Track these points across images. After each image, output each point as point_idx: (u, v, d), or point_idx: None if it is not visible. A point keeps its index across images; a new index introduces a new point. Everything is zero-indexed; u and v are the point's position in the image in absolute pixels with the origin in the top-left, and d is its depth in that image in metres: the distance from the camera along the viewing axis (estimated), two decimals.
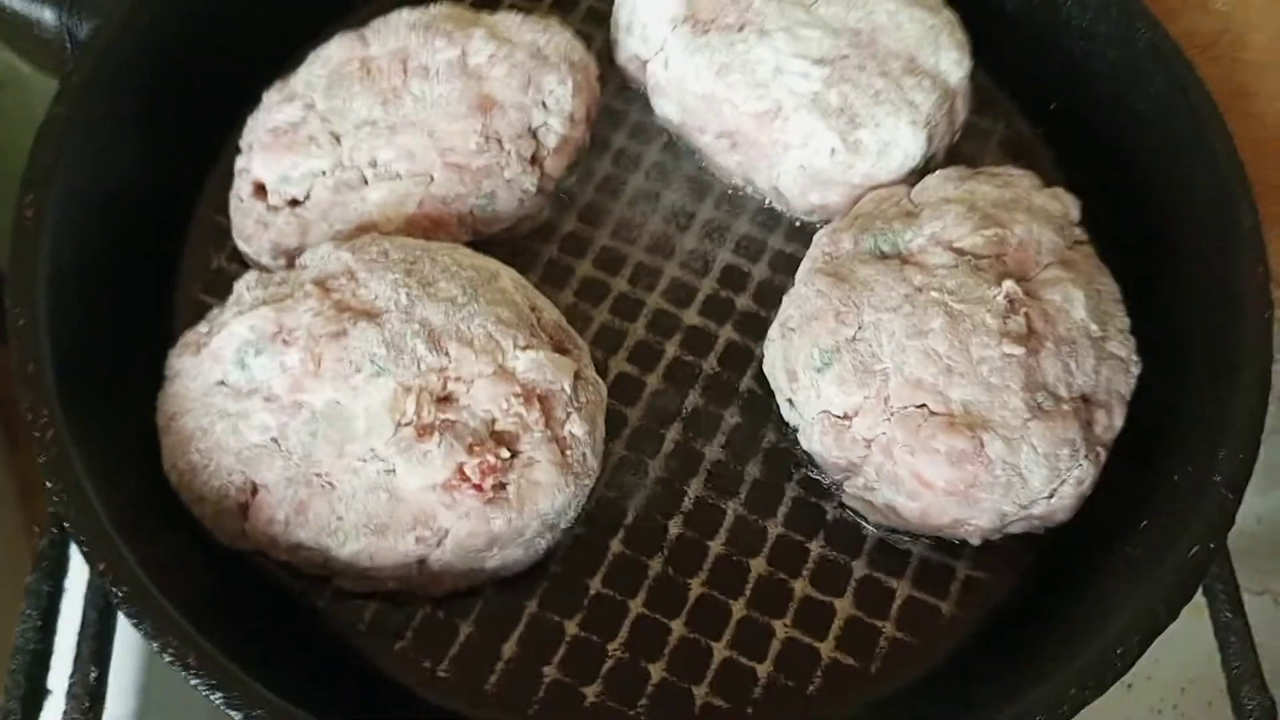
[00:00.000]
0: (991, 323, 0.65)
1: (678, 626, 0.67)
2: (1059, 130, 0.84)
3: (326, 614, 0.66)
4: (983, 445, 0.63)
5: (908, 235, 0.70)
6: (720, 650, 0.66)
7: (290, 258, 0.71)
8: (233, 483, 0.62)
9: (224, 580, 0.66)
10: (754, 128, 0.76)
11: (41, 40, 0.76)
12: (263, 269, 0.70)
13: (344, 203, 0.71)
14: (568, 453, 0.64)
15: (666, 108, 0.80)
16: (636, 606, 0.67)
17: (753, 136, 0.76)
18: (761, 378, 0.73)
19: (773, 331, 0.71)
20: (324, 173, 0.72)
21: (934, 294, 0.66)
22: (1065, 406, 0.64)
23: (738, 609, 0.67)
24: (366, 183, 0.72)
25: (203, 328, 0.66)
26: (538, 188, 0.75)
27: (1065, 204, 0.73)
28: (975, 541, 0.66)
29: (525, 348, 0.64)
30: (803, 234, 0.79)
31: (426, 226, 0.72)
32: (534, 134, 0.75)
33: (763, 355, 0.74)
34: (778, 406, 0.72)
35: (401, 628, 0.66)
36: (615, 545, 0.69)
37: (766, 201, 0.80)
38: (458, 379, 0.63)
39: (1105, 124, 0.81)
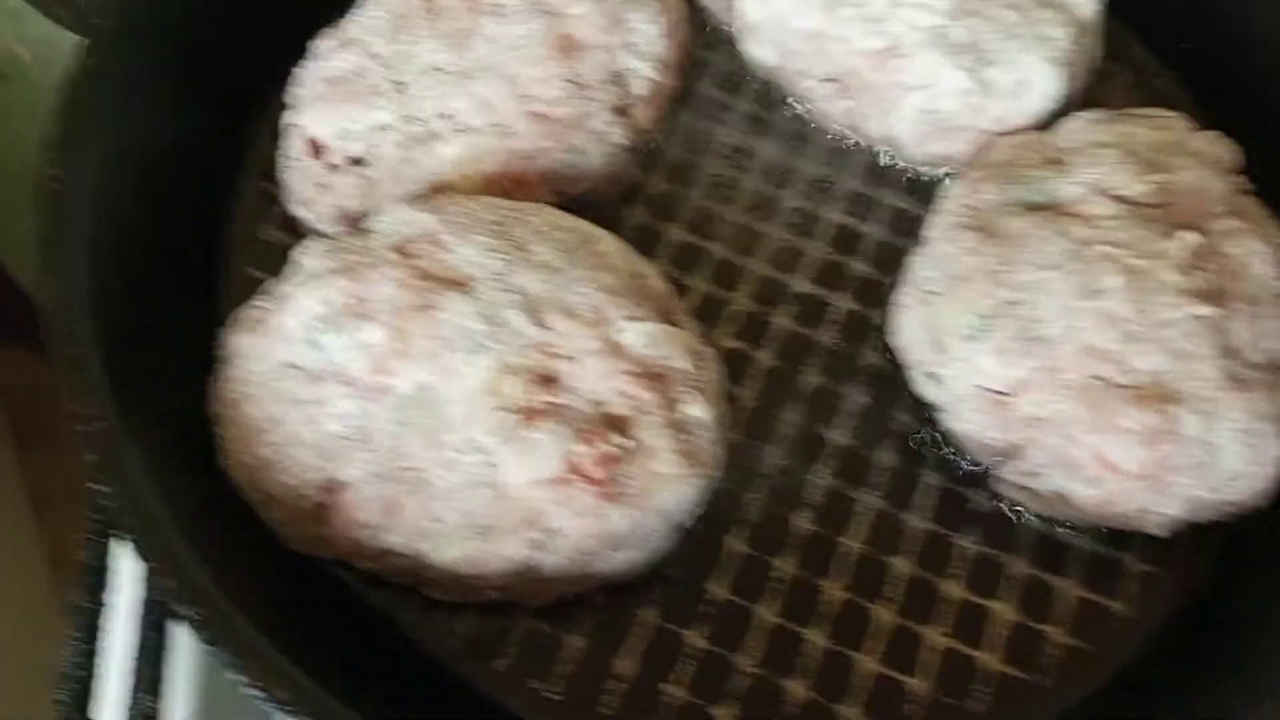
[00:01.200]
0: (1174, 280, 0.56)
1: (816, 637, 0.58)
2: (1194, 71, 0.76)
3: (415, 629, 0.58)
4: (1176, 421, 0.54)
5: (1060, 184, 0.61)
6: (868, 664, 0.58)
7: (355, 224, 0.62)
8: (310, 481, 0.53)
9: (296, 593, 0.57)
10: (868, 68, 0.67)
11: None
12: (322, 237, 0.61)
13: (414, 160, 0.63)
14: (689, 439, 0.55)
15: (761, 51, 0.71)
16: (768, 615, 0.59)
17: (866, 78, 0.67)
18: (886, 351, 0.65)
19: (905, 297, 0.62)
20: (389, 126, 0.63)
21: (1103, 248, 0.58)
22: (1261, 375, 0.56)
23: (885, 615, 0.59)
24: (438, 137, 0.63)
25: (262, 302, 0.57)
26: (628, 142, 0.66)
27: (1225, 148, 0.65)
28: (1160, 533, 0.58)
29: (635, 319, 0.56)
30: (919, 189, 0.70)
31: (507, 186, 0.63)
32: (621, 80, 0.66)
33: (882, 325, 0.65)
34: (910, 382, 0.63)
35: (501, 643, 0.58)
36: (738, 544, 0.60)
37: (877, 153, 0.71)
38: (562, 356, 0.54)
39: (1245, 62, 0.73)
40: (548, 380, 0.54)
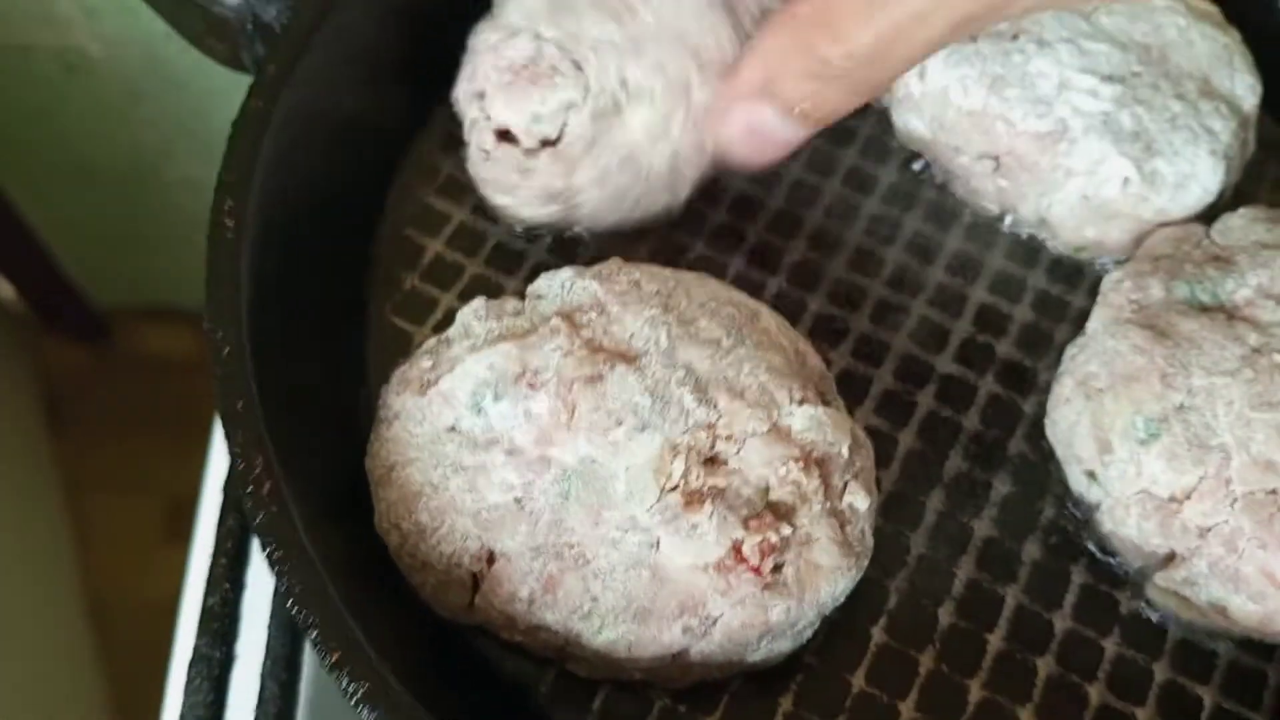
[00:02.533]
0: None
1: None
2: None
3: (550, 702, 0.57)
4: None
5: (1229, 285, 0.60)
6: None
7: (560, 202, 0.64)
8: (468, 549, 0.53)
9: (435, 658, 0.57)
10: (1033, 150, 0.66)
11: (218, 22, 0.67)
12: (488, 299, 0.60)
13: (605, 130, 0.63)
14: (847, 528, 0.54)
15: (915, 124, 0.70)
16: (908, 710, 0.57)
17: (1029, 160, 0.66)
18: (1033, 439, 0.64)
19: (1065, 390, 0.61)
20: (575, 104, 0.63)
21: (1276, 358, 0.56)
22: None
23: (1025, 716, 0.57)
24: (624, 105, 0.63)
25: (425, 362, 0.57)
26: None
27: None
28: None
29: (801, 402, 0.55)
30: (1067, 271, 0.69)
31: (687, 153, 0.64)
32: None
33: (1030, 413, 0.64)
34: (1057, 475, 0.62)
35: None
36: (878, 634, 0.59)
37: (1025, 233, 0.70)
38: (728, 437, 0.53)
39: None
40: (713, 462, 0.53)
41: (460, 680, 0.57)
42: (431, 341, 0.58)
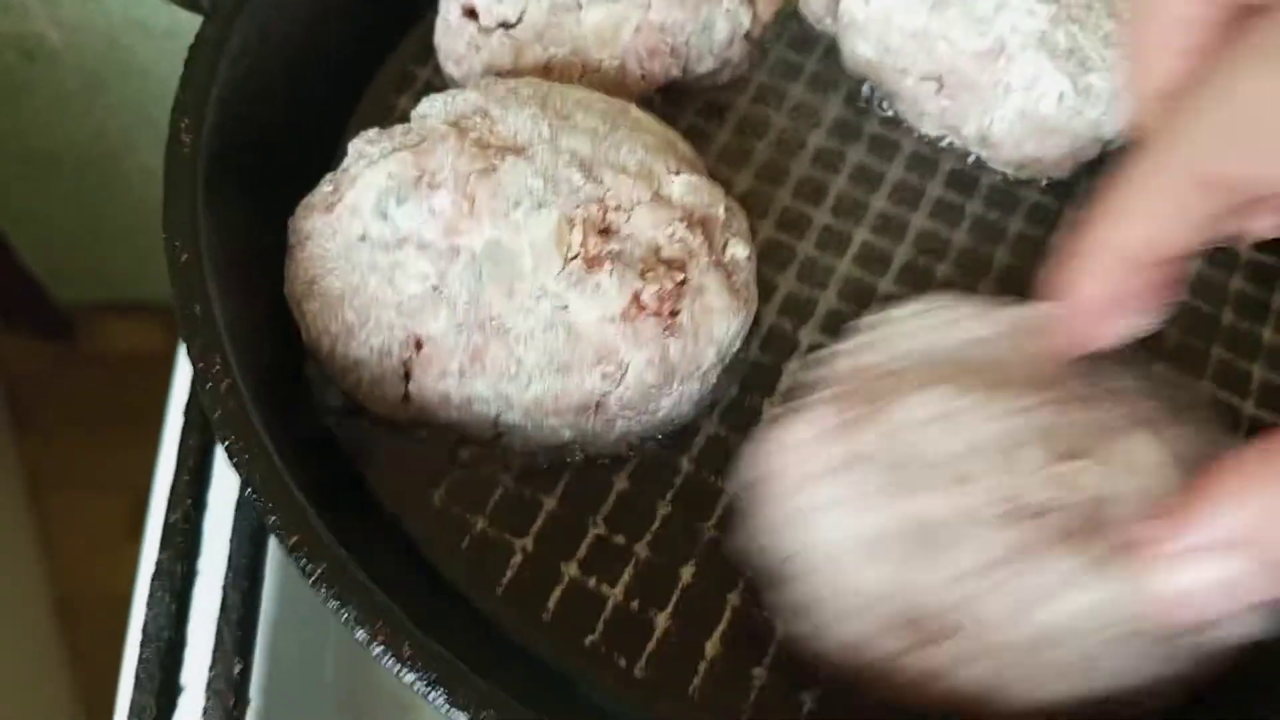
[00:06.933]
0: None
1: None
2: None
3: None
4: None
5: None
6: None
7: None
8: (396, 338, 0.57)
9: (393, 548, 0.58)
10: (972, 68, 0.68)
11: None
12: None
13: (559, 24, 0.68)
14: (733, 277, 0.60)
15: (862, 48, 0.72)
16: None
17: (970, 78, 0.69)
18: None
19: None
20: None
21: None
22: None
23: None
24: (581, 5, 0.69)
25: (327, 187, 0.61)
26: (747, 30, 0.73)
27: None
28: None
29: (678, 172, 0.61)
30: (1005, 198, 0.71)
31: (640, 55, 0.69)
32: None
33: None
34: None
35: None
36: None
37: (968, 158, 0.72)
38: (617, 208, 0.58)
39: None
40: (606, 231, 0.58)
41: (424, 580, 0.58)
42: (329, 175, 0.62)
